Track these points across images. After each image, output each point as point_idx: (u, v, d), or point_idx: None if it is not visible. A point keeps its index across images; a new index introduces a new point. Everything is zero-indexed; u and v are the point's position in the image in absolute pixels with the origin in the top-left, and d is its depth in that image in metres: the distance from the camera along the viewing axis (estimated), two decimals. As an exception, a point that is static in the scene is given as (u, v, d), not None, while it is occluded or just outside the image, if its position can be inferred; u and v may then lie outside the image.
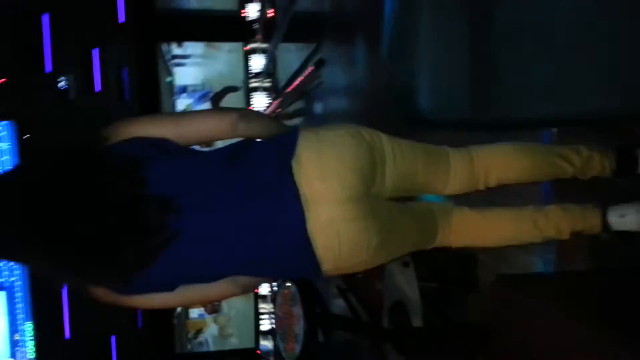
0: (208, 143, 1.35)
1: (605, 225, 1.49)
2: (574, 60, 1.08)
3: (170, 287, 1.22)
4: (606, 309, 1.24)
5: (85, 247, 1.11)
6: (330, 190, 1.21)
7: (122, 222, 1.11)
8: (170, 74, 13.73)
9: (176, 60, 13.98)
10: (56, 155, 1.16)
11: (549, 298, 1.33)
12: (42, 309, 4.99)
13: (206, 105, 13.82)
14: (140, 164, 1.15)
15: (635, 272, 1.53)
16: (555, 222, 1.48)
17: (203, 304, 1.55)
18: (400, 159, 1.34)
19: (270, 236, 1.21)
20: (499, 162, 1.47)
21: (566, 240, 1.53)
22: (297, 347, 2.27)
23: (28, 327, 5.01)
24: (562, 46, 1.08)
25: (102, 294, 1.20)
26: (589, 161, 1.50)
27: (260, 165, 1.24)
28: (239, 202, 1.20)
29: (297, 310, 2.30)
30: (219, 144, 1.32)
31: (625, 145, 1.55)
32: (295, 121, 8.25)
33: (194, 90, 14.15)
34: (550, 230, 1.49)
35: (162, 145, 1.21)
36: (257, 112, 1.58)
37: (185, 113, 1.44)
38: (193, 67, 14.30)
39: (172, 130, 1.24)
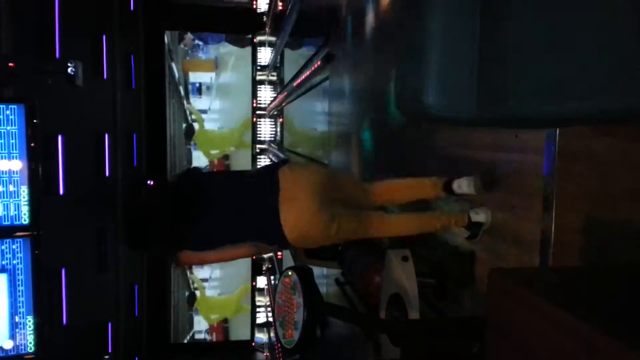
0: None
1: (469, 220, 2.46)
2: (582, 60, 1.09)
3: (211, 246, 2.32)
4: (600, 303, 1.25)
5: (182, 219, 2.20)
6: (298, 190, 2.23)
7: (190, 204, 2.22)
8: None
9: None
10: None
11: (543, 290, 1.33)
12: (41, 293, 5.02)
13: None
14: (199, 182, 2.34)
15: (631, 269, 1.55)
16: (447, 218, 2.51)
17: (232, 259, 2.44)
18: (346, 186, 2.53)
19: (261, 210, 2.23)
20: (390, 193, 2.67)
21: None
22: (296, 334, 2.31)
23: (29, 312, 5.01)
24: (571, 46, 1.09)
25: (187, 255, 2.31)
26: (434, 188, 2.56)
27: (263, 177, 2.33)
28: (249, 197, 2.29)
29: (297, 299, 2.34)
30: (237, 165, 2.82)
31: (450, 178, 2.48)
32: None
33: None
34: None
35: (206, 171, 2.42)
36: None
37: None
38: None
39: None
